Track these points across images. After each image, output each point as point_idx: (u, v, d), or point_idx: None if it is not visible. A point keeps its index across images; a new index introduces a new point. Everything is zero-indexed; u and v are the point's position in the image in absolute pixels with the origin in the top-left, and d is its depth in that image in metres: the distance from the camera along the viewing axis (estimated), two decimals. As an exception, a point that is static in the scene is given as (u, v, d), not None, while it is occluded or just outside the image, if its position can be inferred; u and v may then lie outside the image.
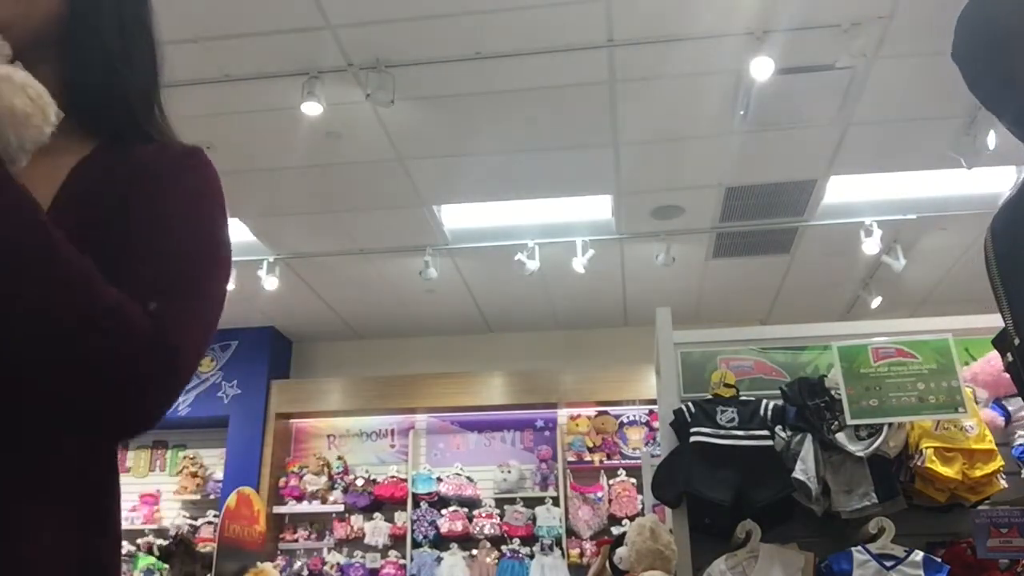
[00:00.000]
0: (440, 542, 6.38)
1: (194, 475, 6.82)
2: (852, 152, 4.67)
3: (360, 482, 6.65)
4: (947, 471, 2.52)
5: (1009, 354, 1.02)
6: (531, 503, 6.46)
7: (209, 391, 6.86)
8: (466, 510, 6.47)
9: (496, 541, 6.35)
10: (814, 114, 4.30)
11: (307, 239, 5.73)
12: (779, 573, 2.54)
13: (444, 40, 3.79)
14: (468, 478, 6.59)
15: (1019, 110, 1.01)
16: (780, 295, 6.63)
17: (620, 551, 2.82)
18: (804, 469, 2.63)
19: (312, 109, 3.97)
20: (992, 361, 2.77)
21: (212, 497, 6.73)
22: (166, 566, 6.12)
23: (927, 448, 2.56)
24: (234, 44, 3.78)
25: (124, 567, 6.13)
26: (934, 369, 2.62)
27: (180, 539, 6.15)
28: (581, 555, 6.19)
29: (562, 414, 6.81)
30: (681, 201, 5.26)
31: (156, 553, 6.28)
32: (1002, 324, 1.03)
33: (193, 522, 6.59)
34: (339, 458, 6.87)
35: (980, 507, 2.58)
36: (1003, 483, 2.58)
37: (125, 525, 5.73)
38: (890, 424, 2.60)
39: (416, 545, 6.37)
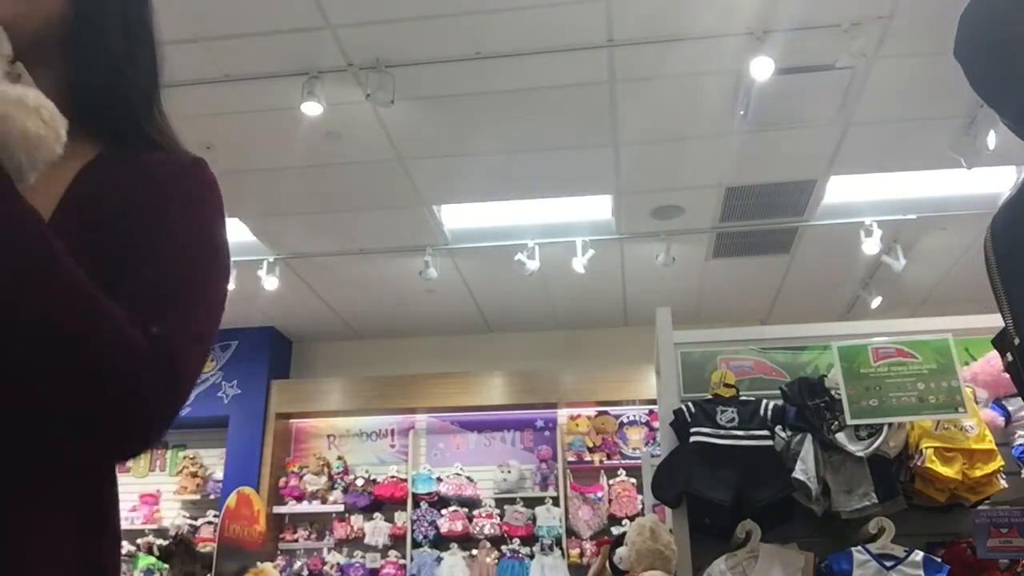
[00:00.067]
0: (440, 542, 6.38)
1: (194, 475, 6.83)
2: (852, 152, 4.67)
3: (360, 482, 6.65)
4: (947, 471, 2.52)
5: (1009, 354, 1.02)
6: (531, 503, 6.46)
7: (209, 391, 6.86)
8: (466, 510, 6.47)
9: (496, 541, 6.35)
10: (814, 114, 4.30)
11: (307, 239, 5.73)
12: (779, 573, 2.54)
13: (444, 40, 3.79)
14: (468, 478, 6.59)
15: (1021, 108, 1.01)
16: (780, 295, 6.63)
17: (620, 551, 2.82)
18: (804, 469, 2.63)
19: (312, 109, 3.97)
20: (992, 361, 2.77)
21: (212, 497, 6.73)
22: (166, 566, 6.13)
23: (927, 448, 2.56)
24: (234, 44, 3.78)
25: (124, 567, 6.13)
26: (934, 369, 2.62)
27: (180, 539, 6.15)
28: (581, 555, 6.19)
29: (562, 414, 6.81)
30: (681, 201, 5.26)
31: (156, 553, 6.28)
32: (1002, 324, 1.03)
33: (193, 522, 6.59)
34: (339, 458, 6.87)
35: (980, 507, 2.58)
36: (1003, 483, 2.58)
37: (125, 525, 5.73)
38: (890, 424, 2.60)
39: (416, 545, 6.37)
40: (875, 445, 2.59)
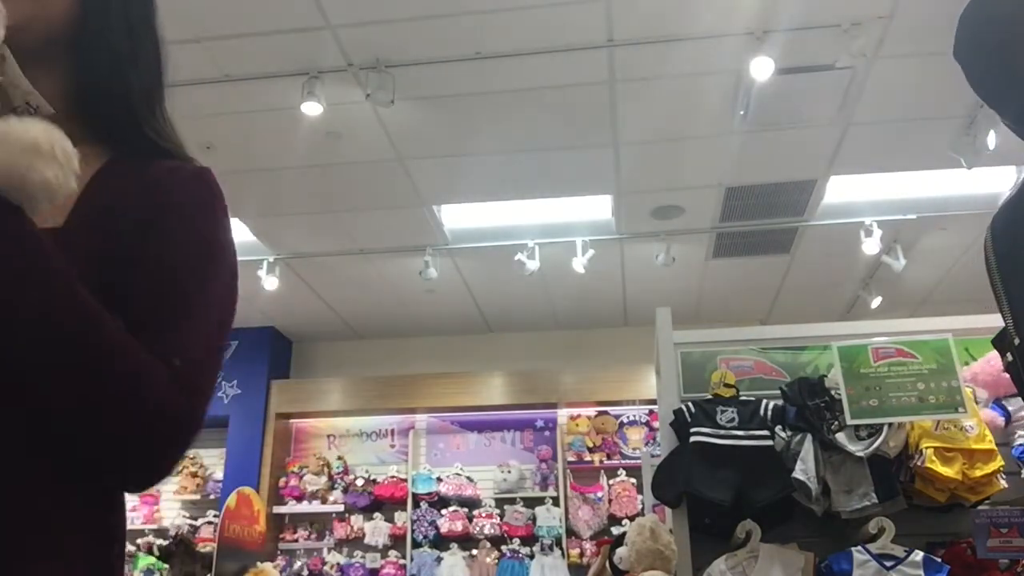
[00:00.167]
0: (440, 542, 6.38)
1: (194, 475, 6.82)
2: (852, 152, 4.67)
3: (360, 482, 6.65)
4: (947, 471, 2.52)
5: (1009, 354, 1.02)
6: (531, 503, 6.46)
7: (209, 391, 6.85)
8: (466, 510, 6.47)
9: (496, 541, 6.35)
10: (814, 114, 4.30)
11: (307, 239, 5.73)
12: (779, 573, 2.54)
13: (444, 40, 3.79)
14: (468, 478, 6.59)
15: (1022, 108, 1.01)
16: (780, 295, 6.63)
17: (620, 551, 2.82)
18: (804, 469, 2.63)
19: (312, 109, 3.98)
20: (992, 361, 2.77)
21: (212, 497, 6.73)
22: (166, 566, 6.12)
23: (927, 448, 2.56)
24: (234, 44, 3.78)
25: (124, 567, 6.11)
26: (934, 369, 2.62)
27: (180, 539, 6.15)
28: (581, 555, 6.19)
29: (562, 414, 6.81)
30: (681, 201, 5.26)
31: (156, 553, 6.28)
32: (1002, 324, 1.03)
33: (193, 522, 6.59)
34: (339, 458, 6.87)
35: (980, 507, 2.58)
36: (1003, 483, 2.58)
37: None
38: (890, 424, 2.60)
39: (416, 545, 6.37)
40: (875, 445, 2.59)
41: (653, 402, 5.99)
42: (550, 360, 6.97)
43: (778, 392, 2.86)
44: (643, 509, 5.60)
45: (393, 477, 6.64)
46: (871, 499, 2.58)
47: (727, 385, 2.89)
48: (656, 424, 6.22)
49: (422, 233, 5.58)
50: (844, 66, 3.78)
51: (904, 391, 2.60)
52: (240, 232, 5.48)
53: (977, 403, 2.72)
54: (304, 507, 6.63)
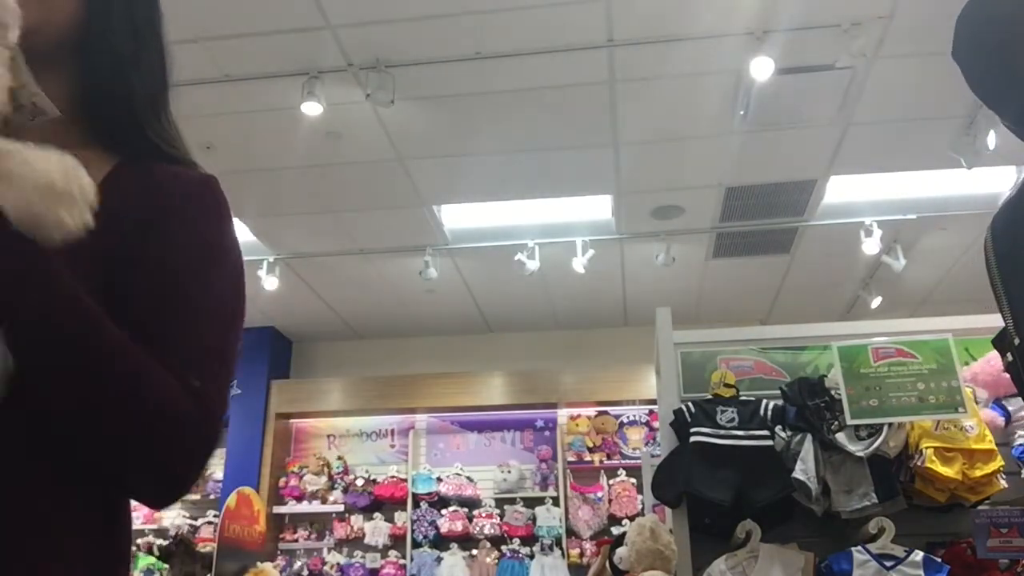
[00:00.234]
0: (440, 542, 6.38)
1: (194, 475, 6.81)
2: (852, 152, 4.67)
3: (360, 482, 6.64)
4: (947, 471, 2.52)
5: (1009, 354, 1.02)
6: (531, 503, 6.46)
7: (209, 391, 6.84)
8: (466, 510, 6.47)
9: (496, 541, 6.35)
10: (814, 114, 4.30)
11: (307, 239, 5.73)
12: (779, 573, 2.54)
13: (444, 40, 3.79)
14: (468, 478, 6.59)
15: (1021, 109, 1.01)
16: (780, 295, 6.63)
17: (620, 551, 2.82)
18: (804, 469, 2.63)
19: (312, 109, 3.98)
20: (992, 361, 2.77)
21: (212, 497, 6.72)
22: (166, 566, 6.12)
23: (927, 448, 2.56)
24: (234, 44, 3.78)
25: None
26: (934, 369, 2.62)
27: (180, 539, 6.15)
28: (581, 555, 6.19)
29: (562, 414, 6.81)
30: (681, 201, 5.26)
31: (156, 553, 6.28)
32: (1002, 324, 1.03)
33: (193, 522, 6.59)
34: (339, 458, 6.87)
35: (980, 507, 2.58)
36: (1003, 483, 2.58)
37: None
38: (890, 424, 2.60)
39: (416, 545, 6.37)
40: (875, 445, 2.59)
41: (653, 402, 5.99)
42: (550, 360, 6.97)
43: (778, 392, 2.86)
44: (643, 509, 5.60)
45: (393, 477, 6.64)
46: (871, 499, 2.58)
47: (727, 385, 2.89)
48: (656, 424, 6.22)
49: (422, 233, 5.58)
50: (844, 66, 3.78)
51: (904, 391, 2.60)
52: (240, 232, 5.41)
53: (977, 403, 2.72)
54: (304, 507, 6.63)
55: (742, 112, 4.22)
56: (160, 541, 6.36)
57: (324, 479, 6.70)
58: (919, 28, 3.64)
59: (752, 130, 4.42)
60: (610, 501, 6.38)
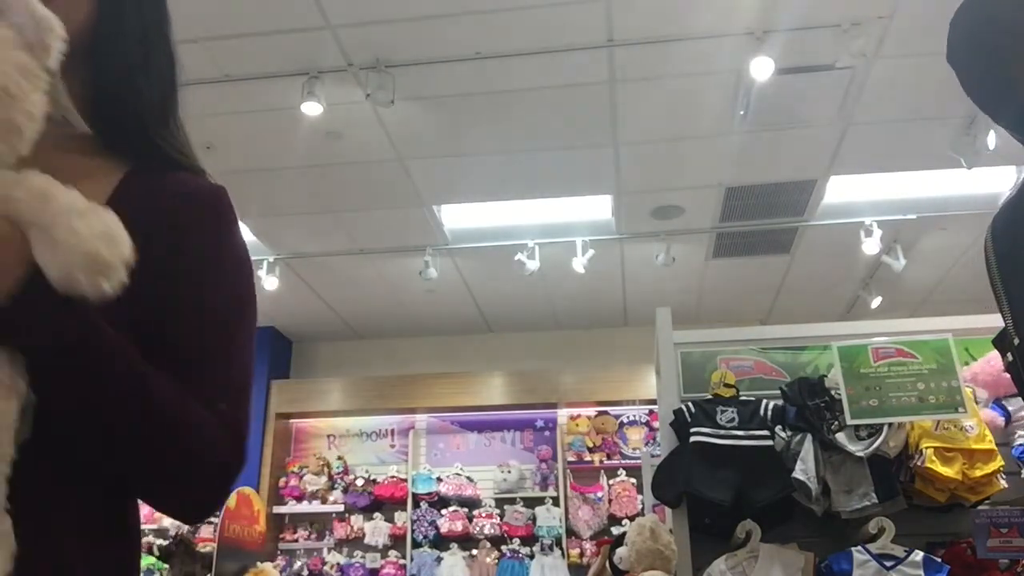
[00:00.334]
0: (440, 542, 6.38)
1: (194, 475, 6.81)
2: (852, 152, 4.67)
3: (360, 482, 6.64)
4: (947, 471, 2.52)
5: (1009, 354, 1.02)
6: (531, 503, 6.45)
7: (209, 391, 6.84)
8: (466, 510, 6.46)
9: (496, 541, 6.35)
10: (814, 114, 4.30)
11: (307, 239, 5.73)
12: (779, 573, 2.54)
13: (444, 40, 3.79)
14: (468, 478, 6.59)
15: (1017, 114, 1.01)
16: (780, 295, 6.63)
17: (620, 551, 2.82)
18: (804, 469, 2.63)
19: (312, 109, 3.98)
20: (992, 361, 2.77)
21: (212, 497, 6.71)
22: (166, 566, 6.12)
23: (927, 448, 2.56)
24: (234, 44, 3.78)
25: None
26: (934, 369, 2.62)
27: (180, 539, 6.14)
28: (581, 555, 6.19)
29: (562, 414, 6.81)
30: (681, 201, 5.26)
31: (156, 553, 6.27)
32: (1002, 324, 1.03)
33: (193, 522, 6.58)
34: (339, 458, 6.87)
35: (980, 507, 2.58)
36: (1003, 483, 2.58)
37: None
38: (890, 424, 2.60)
39: (416, 545, 6.37)
40: (875, 445, 2.59)
41: (653, 402, 5.99)
42: (550, 360, 6.97)
43: (778, 392, 2.86)
44: (643, 509, 5.60)
45: (393, 477, 6.64)
46: (871, 499, 2.58)
47: (727, 385, 2.89)
48: (656, 424, 6.22)
49: (422, 233, 5.58)
50: (844, 66, 3.78)
51: (904, 391, 2.60)
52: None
53: (977, 403, 2.72)
54: (304, 507, 6.63)
55: (742, 112, 4.22)
56: (160, 541, 6.35)
57: (324, 479, 6.70)
58: (919, 28, 3.64)
59: (752, 130, 4.42)
60: (610, 501, 6.38)
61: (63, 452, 0.76)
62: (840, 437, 2.64)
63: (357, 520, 6.53)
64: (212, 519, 6.38)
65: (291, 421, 7.09)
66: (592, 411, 6.76)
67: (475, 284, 6.40)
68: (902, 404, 2.59)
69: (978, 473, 2.53)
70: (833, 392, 2.70)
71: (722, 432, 2.75)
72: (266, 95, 4.11)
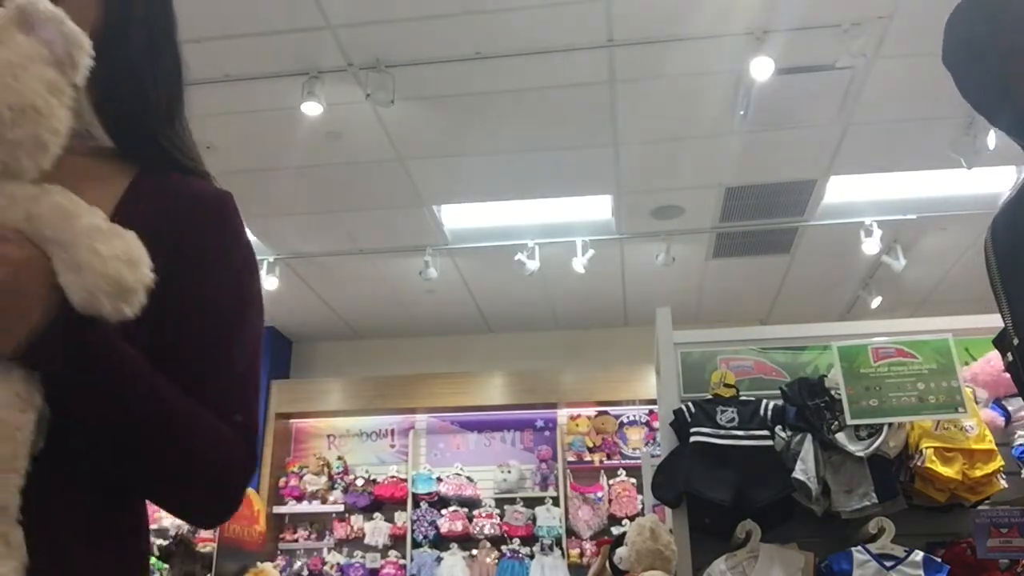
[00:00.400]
0: (440, 542, 6.38)
1: (194, 475, 6.81)
2: (852, 152, 4.67)
3: (360, 482, 6.64)
4: (947, 471, 2.52)
5: (1009, 354, 1.02)
6: (531, 503, 6.46)
7: (209, 391, 6.84)
8: (466, 510, 6.46)
9: (496, 541, 6.35)
10: (814, 114, 4.30)
11: (307, 239, 5.73)
12: (779, 573, 2.54)
13: (444, 40, 3.79)
14: (468, 478, 6.59)
15: (1016, 115, 1.01)
16: (780, 295, 6.63)
17: (620, 551, 2.82)
18: (804, 469, 2.63)
19: (312, 109, 3.98)
20: (992, 361, 2.77)
21: (212, 497, 6.71)
22: (166, 566, 6.12)
23: (927, 448, 2.56)
24: (234, 44, 3.78)
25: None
26: (934, 369, 2.62)
27: (180, 539, 6.14)
28: (581, 555, 6.19)
29: (562, 414, 6.81)
30: (681, 201, 5.26)
31: (156, 553, 6.27)
32: (1002, 324, 1.03)
33: (193, 522, 6.58)
34: (339, 458, 6.87)
35: (980, 507, 2.58)
36: (1003, 483, 2.58)
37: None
38: (890, 424, 2.60)
39: (416, 545, 6.37)
40: (875, 445, 2.59)
41: (653, 402, 5.99)
42: (550, 360, 6.97)
43: (778, 392, 2.86)
44: (643, 509, 5.60)
45: (393, 477, 6.64)
46: (871, 499, 2.58)
47: (727, 385, 2.89)
48: (656, 424, 6.22)
49: (422, 233, 5.58)
50: (844, 66, 3.78)
51: (904, 391, 2.60)
52: (240, 232, 5.47)
53: (977, 403, 2.72)
54: (304, 507, 6.63)
55: (742, 112, 4.22)
56: (160, 541, 6.34)
57: (324, 479, 6.70)
58: (919, 28, 3.64)
59: (752, 130, 4.42)
60: (610, 501, 6.38)
61: (75, 461, 0.76)
62: (840, 437, 2.64)
63: (357, 520, 6.53)
64: (212, 519, 6.38)
65: (291, 421, 7.09)
66: (592, 411, 6.76)
67: (475, 284, 6.40)
68: (902, 404, 2.59)
69: (978, 473, 2.53)
70: (833, 392, 2.70)
71: (722, 432, 2.75)
72: (266, 95, 4.11)
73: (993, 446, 2.59)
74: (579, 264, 5.51)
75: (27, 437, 0.70)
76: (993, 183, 4.98)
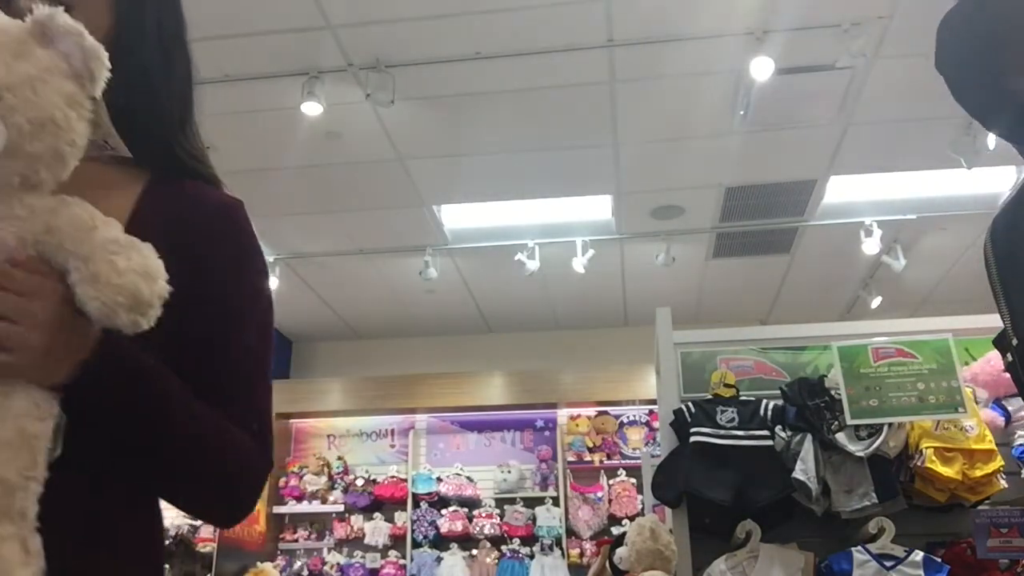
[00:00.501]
0: (440, 542, 6.38)
1: (194, 475, 6.81)
2: (852, 152, 4.67)
3: (360, 482, 6.64)
4: (947, 471, 2.52)
5: (1009, 354, 1.02)
6: (531, 503, 6.45)
7: (209, 391, 6.84)
8: (466, 510, 6.46)
9: (496, 541, 6.34)
10: (814, 114, 4.30)
11: (307, 239, 5.73)
12: (779, 573, 2.54)
13: (444, 40, 3.79)
14: (468, 478, 6.58)
15: (1010, 123, 1.00)
16: (780, 295, 6.63)
17: (620, 551, 2.82)
18: (804, 469, 2.63)
19: (312, 109, 3.98)
20: (992, 361, 2.77)
21: (212, 497, 6.71)
22: (166, 566, 6.12)
23: (927, 448, 2.56)
24: (234, 44, 3.78)
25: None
26: (934, 369, 2.62)
27: (180, 539, 6.14)
28: (581, 555, 6.19)
29: (562, 414, 6.81)
30: (681, 201, 5.26)
31: (156, 553, 6.28)
32: (1002, 324, 1.03)
33: (193, 522, 6.57)
34: (339, 458, 6.86)
35: (980, 507, 2.58)
36: (1003, 483, 2.57)
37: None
38: (890, 424, 2.60)
39: (416, 545, 6.37)
40: (875, 445, 2.58)
41: (653, 402, 5.99)
42: (550, 360, 6.97)
43: (778, 392, 2.86)
44: (643, 509, 5.60)
45: (393, 477, 6.63)
46: (871, 499, 2.58)
47: (727, 385, 2.88)
48: (656, 424, 6.22)
49: (422, 233, 5.58)
50: (844, 66, 3.78)
51: (904, 391, 2.60)
52: (240, 232, 5.47)
53: (977, 403, 2.72)
54: (304, 507, 6.63)
55: (742, 112, 4.22)
56: (160, 541, 6.35)
57: (324, 479, 6.69)
58: (919, 28, 3.63)
59: (752, 130, 4.42)
60: (610, 501, 6.38)
61: (94, 470, 0.77)
62: (840, 437, 2.64)
63: (357, 520, 6.53)
64: (212, 519, 6.38)
65: (291, 421, 7.08)
66: (592, 411, 6.76)
67: (475, 284, 6.40)
68: (902, 404, 2.58)
69: (978, 473, 2.53)
70: (833, 392, 2.70)
71: (722, 432, 2.75)
72: (266, 95, 4.11)
73: (993, 446, 2.59)
74: (579, 264, 5.51)
75: (45, 445, 0.71)
76: (993, 183, 4.98)
